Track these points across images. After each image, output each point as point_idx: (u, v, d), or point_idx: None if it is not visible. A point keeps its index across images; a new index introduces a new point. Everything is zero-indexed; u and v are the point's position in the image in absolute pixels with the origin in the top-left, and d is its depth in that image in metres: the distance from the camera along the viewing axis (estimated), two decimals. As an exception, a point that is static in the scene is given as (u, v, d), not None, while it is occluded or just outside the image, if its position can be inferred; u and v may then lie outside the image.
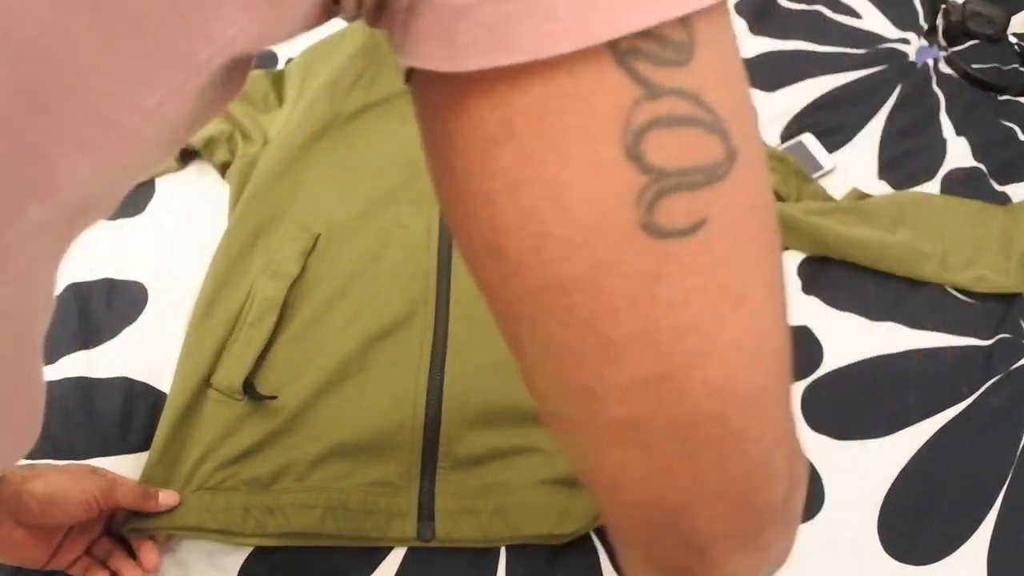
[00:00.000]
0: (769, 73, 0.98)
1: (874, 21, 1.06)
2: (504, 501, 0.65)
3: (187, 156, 0.88)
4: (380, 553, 0.65)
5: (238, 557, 0.65)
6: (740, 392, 0.23)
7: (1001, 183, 0.90)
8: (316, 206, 0.81)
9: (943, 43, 1.02)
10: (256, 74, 0.93)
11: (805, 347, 0.77)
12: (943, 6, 1.03)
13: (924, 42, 1.03)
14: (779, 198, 0.85)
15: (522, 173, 0.21)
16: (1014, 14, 1.03)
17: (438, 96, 0.22)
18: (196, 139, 0.86)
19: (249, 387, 0.69)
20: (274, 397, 0.68)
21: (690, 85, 0.21)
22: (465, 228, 0.23)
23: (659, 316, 0.22)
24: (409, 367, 0.72)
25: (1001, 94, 0.98)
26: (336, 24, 0.94)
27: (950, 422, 0.72)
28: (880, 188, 0.89)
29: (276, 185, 0.82)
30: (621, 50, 0.20)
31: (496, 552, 0.65)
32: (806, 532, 0.67)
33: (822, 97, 0.96)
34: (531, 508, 0.65)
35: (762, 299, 0.23)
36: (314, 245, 0.78)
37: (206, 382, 0.70)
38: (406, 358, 0.72)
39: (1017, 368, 0.75)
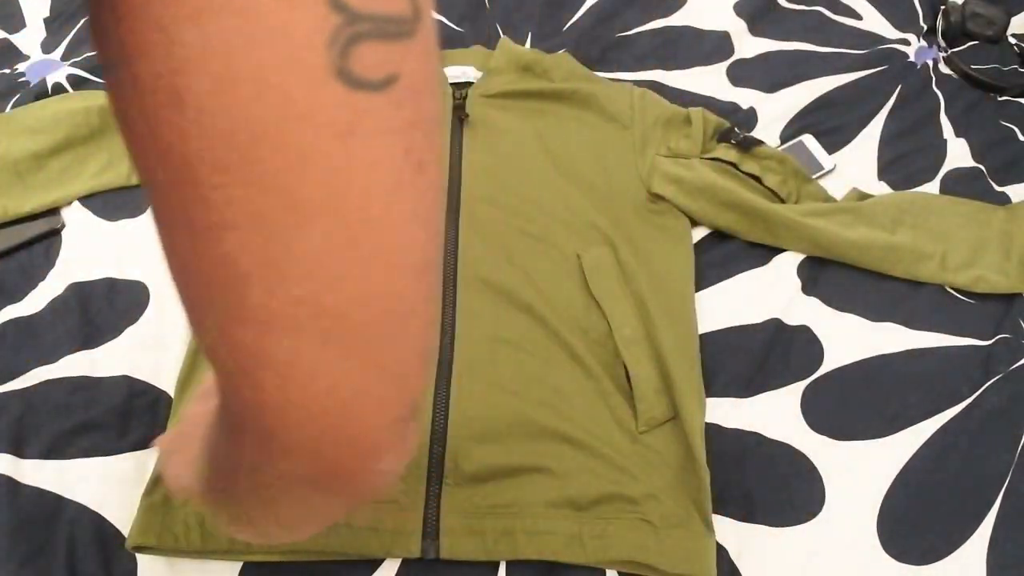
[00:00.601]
0: (769, 73, 0.99)
1: (874, 22, 1.06)
2: (511, 524, 0.65)
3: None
4: (376, 561, 0.65)
5: (233, 566, 0.65)
6: (414, 266, 0.23)
7: (1001, 183, 0.90)
8: None
9: (943, 44, 1.02)
10: None
11: (805, 347, 0.77)
12: (943, 7, 1.04)
13: (924, 43, 1.03)
14: (779, 199, 0.85)
15: None
16: (1014, 15, 1.03)
17: None
18: None
19: None
20: None
21: None
22: (141, 76, 0.20)
23: (351, 176, 0.20)
24: None
25: (1001, 95, 0.98)
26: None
27: (950, 422, 0.73)
28: (880, 188, 0.89)
29: None
30: None
31: (496, 563, 0.65)
32: (806, 532, 0.67)
33: (822, 97, 0.96)
34: (538, 533, 0.65)
35: (435, 172, 0.23)
36: None
37: None
38: None
39: (1017, 368, 0.76)
